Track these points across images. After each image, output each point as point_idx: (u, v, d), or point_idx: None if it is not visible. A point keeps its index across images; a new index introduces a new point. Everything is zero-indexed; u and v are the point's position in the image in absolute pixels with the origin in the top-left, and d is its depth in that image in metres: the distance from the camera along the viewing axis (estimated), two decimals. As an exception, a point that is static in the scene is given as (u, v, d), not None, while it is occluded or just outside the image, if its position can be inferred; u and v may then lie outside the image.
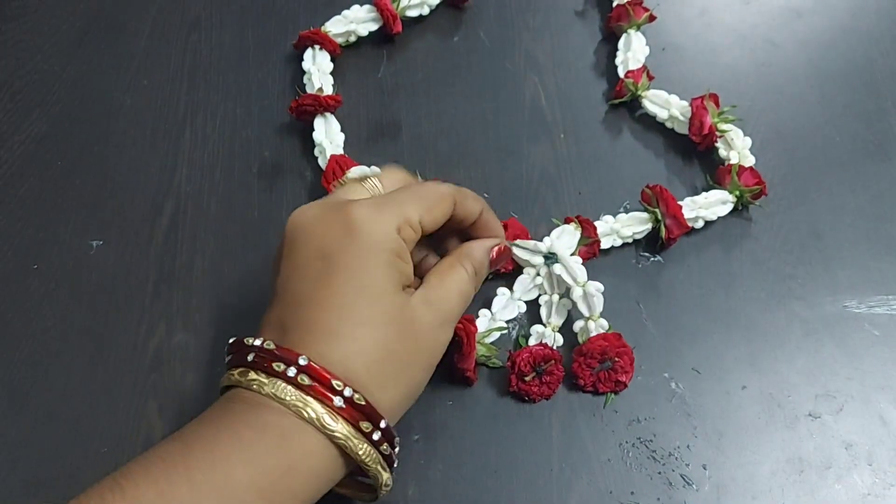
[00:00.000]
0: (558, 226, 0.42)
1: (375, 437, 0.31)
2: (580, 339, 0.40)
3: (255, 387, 0.30)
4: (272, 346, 0.30)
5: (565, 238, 0.41)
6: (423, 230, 0.34)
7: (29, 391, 0.39)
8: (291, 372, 0.30)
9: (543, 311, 0.41)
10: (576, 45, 0.51)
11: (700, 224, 0.43)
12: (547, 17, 0.53)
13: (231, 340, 0.32)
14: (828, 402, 0.39)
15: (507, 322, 0.41)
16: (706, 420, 0.38)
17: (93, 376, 0.40)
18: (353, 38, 0.51)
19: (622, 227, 0.43)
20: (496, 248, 0.37)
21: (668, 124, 0.47)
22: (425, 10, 0.52)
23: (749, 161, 0.44)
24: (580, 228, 0.42)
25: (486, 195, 0.41)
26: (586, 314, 0.40)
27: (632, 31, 0.50)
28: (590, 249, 0.42)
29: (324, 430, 0.29)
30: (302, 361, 0.30)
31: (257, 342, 0.31)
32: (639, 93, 0.48)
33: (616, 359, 0.39)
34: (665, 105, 0.47)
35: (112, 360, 0.40)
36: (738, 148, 0.45)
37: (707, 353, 0.40)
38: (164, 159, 0.47)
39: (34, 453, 0.37)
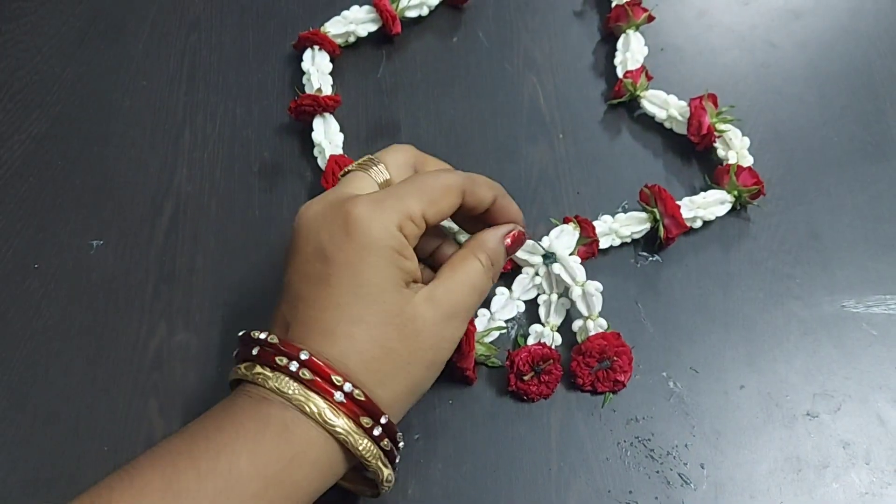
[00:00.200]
0: (557, 226, 0.42)
1: (376, 432, 0.31)
2: (579, 339, 0.40)
3: (259, 380, 0.30)
4: (276, 340, 0.31)
5: (564, 238, 0.41)
6: (428, 223, 0.33)
7: (29, 391, 0.39)
8: (294, 366, 0.30)
9: (542, 311, 0.41)
10: (574, 45, 0.52)
11: (698, 224, 0.43)
12: (546, 17, 0.53)
13: (240, 334, 0.33)
14: (825, 401, 0.39)
15: (506, 321, 0.41)
16: (704, 419, 0.38)
17: (93, 376, 0.40)
18: (352, 39, 0.51)
19: (621, 226, 0.43)
20: (511, 235, 0.36)
21: (667, 124, 0.47)
22: (424, 11, 0.52)
23: (747, 161, 0.45)
24: (579, 228, 0.42)
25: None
26: (585, 314, 0.40)
27: (630, 32, 0.50)
28: (588, 249, 0.42)
29: (325, 424, 0.30)
30: (303, 356, 0.30)
31: (262, 335, 0.32)
32: (637, 93, 0.48)
33: (615, 358, 0.39)
34: (664, 105, 0.47)
35: (112, 360, 0.40)
36: (736, 148, 0.45)
37: (705, 352, 0.40)
38: (164, 159, 0.47)
39: (34, 453, 0.38)
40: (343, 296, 0.31)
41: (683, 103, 0.47)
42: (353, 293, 0.31)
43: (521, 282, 0.41)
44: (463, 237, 0.39)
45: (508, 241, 0.36)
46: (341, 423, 0.30)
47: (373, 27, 0.51)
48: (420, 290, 0.33)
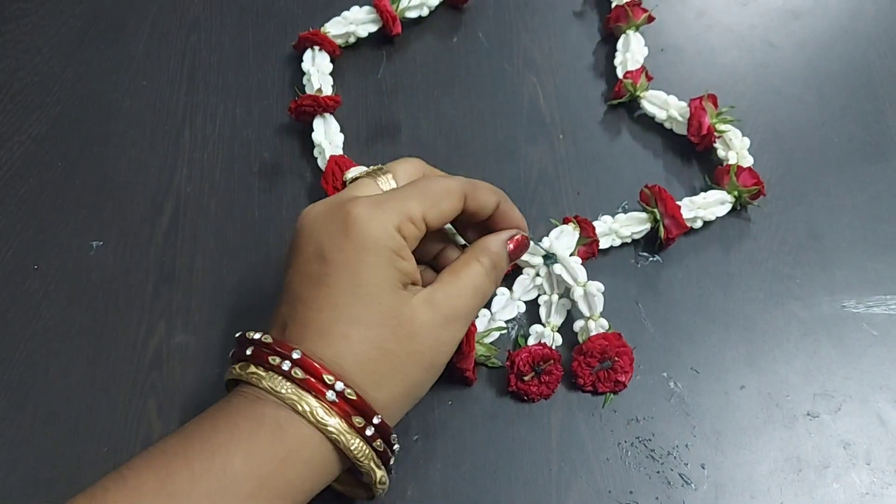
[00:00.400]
0: (557, 226, 0.42)
1: (368, 432, 0.31)
2: (580, 339, 0.40)
3: (253, 380, 0.30)
4: (269, 340, 0.31)
5: (564, 238, 0.41)
6: (429, 226, 0.33)
7: (29, 391, 0.39)
8: (286, 366, 0.30)
9: (543, 311, 0.41)
10: (574, 45, 0.52)
11: (699, 224, 0.43)
12: (545, 17, 0.53)
13: (237, 335, 0.33)
14: (826, 401, 0.39)
15: (507, 322, 0.41)
16: (705, 419, 0.38)
17: (93, 376, 0.40)
18: (352, 40, 0.51)
19: (621, 227, 0.43)
20: (514, 240, 0.36)
21: (667, 125, 0.47)
22: (424, 12, 0.52)
23: (747, 161, 0.45)
24: (579, 229, 0.42)
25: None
26: (587, 314, 0.40)
27: (630, 32, 0.50)
28: (588, 249, 0.42)
29: (318, 423, 0.30)
30: (295, 355, 0.30)
31: (257, 336, 0.32)
32: (637, 93, 0.48)
33: (616, 358, 0.39)
34: (664, 105, 0.47)
35: (112, 360, 0.40)
36: (736, 148, 0.45)
37: (706, 352, 0.40)
38: (164, 160, 0.47)
39: (34, 453, 0.38)
40: (341, 296, 0.31)
41: (683, 104, 0.47)
42: (351, 293, 0.31)
43: (521, 282, 0.41)
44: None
45: (511, 245, 0.36)
46: (334, 422, 0.30)
47: (373, 28, 0.51)
48: (419, 292, 0.33)
